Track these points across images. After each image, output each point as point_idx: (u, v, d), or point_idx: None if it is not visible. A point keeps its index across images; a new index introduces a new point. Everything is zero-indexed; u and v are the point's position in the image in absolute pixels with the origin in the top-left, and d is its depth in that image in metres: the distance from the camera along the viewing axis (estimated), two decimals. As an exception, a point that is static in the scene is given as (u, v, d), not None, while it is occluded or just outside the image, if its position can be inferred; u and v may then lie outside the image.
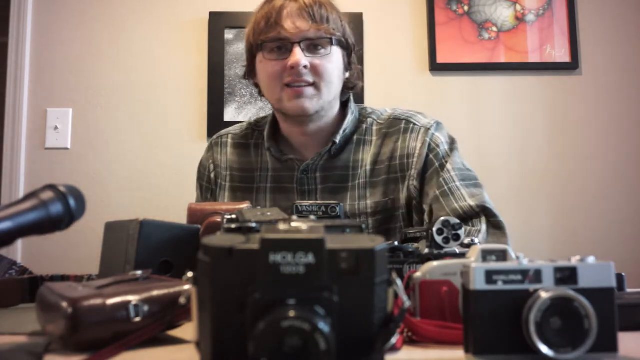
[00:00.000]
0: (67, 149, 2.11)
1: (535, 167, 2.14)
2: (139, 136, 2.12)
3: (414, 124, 1.20)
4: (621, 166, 2.15)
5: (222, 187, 1.27)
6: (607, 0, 2.22)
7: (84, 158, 2.11)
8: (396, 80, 2.15)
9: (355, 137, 1.22)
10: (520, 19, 2.18)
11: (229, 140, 1.31)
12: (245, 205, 0.94)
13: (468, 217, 1.10)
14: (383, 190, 1.17)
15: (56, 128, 2.11)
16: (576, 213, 2.12)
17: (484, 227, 1.08)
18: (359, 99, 2.09)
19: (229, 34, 2.15)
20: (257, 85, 1.24)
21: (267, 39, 1.12)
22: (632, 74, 2.19)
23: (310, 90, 1.13)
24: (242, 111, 2.12)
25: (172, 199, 2.06)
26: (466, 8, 2.18)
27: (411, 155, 1.17)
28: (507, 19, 2.18)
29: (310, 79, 1.12)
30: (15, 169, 2.08)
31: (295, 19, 1.11)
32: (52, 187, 0.59)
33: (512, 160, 2.14)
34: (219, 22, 2.15)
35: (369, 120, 1.24)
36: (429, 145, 1.17)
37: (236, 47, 2.14)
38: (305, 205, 0.78)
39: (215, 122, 2.10)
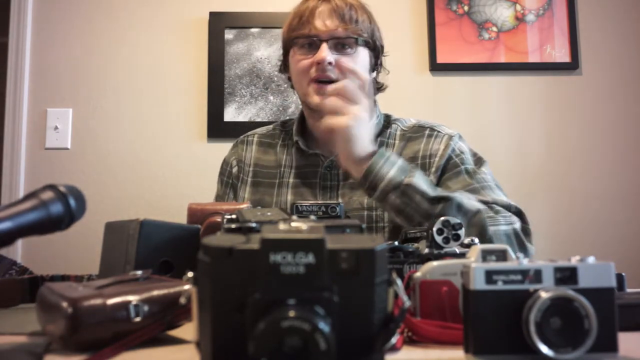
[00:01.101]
0: (67, 149, 2.11)
1: (535, 167, 2.14)
2: (139, 136, 2.12)
3: (438, 132, 1.26)
4: (621, 166, 2.15)
5: (243, 182, 1.31)
6: (607, 0, 2.22)
7: (84, 158, 2.11)
8: (396, 80, 2.13)
9: (379, 139, 1.25)
10: (520, 19, 2.18)
11: (255, 139, 1.36)
12: (245, 205, 0.94)
13: (501, 207, 1.09)
14: None
15: (56, 128, 2.11)
16: (576, 213, 2.12)
17: (518, 224, 1.08)
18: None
19: (229, 34, 2.15)
20: (290, 79, 1.31)
21: (298, 35, 1.19)
22: (632, 74, 2.19)
23: (336, 85, 1.16)
24: (242, 111, 2.12)
25: (172, 199, 2.06)
26: (466, 8, 2.18)
27: (433, 155, 1.21)
28: (507, 19, 2.18)
29: (334, 75, 1.16)
30: (15, 169, 2.08)
31: (325, 19, 1.17)
32: (52, 187, 0.59)
33: (511, 160, 2.13)
34: (219, 22, 2.15)
35: (394, 126, 1.29)
36: (453, 149, 1.21)
37: (236, 47, 2.14)
38: (305, 205, 0.78)
39: (215, 122, 2.10)
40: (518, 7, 2.19)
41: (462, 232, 0.69)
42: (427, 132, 1.26)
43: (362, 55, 1.20)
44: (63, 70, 2.15)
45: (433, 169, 1.19)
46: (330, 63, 1.15)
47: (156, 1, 2.18)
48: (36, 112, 2.12)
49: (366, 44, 1.20)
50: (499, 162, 2.12)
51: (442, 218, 0.70)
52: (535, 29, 2.18)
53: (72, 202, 0.59)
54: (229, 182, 1.34)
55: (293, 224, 0.44)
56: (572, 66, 2.16)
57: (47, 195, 0.58)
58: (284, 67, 1.30)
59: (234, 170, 1.33)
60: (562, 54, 2.17)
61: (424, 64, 2.17)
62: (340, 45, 1.18)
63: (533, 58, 2.16)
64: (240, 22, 2.15)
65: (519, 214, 1.12)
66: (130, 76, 2.15)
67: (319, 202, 0.79)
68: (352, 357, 0.41)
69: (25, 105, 2.12)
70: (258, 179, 1.30)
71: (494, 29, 2.17)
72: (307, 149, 1.27)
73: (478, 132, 2.14)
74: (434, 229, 0.70)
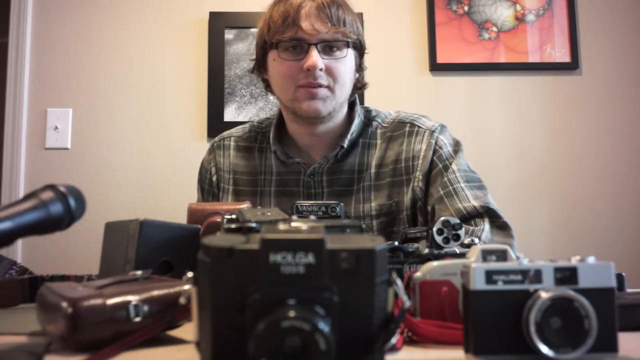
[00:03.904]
0: (67, 149, 2.11)
1: (535, 167, 2.14)
2: (139, 136, 2.12)
3: (419, 127, 1.20)
4: (621, 166, 2.15)
5: (225, 191, 1.26)
6: (607, 0, 2.22)
7: (84, 158, 2.11)
8: (396, 80, 2.15)
9: (360, 141, 1.21)
10: (520, 19, 2.18)
11: (232, 143, 1.29)
12: (245, 206, 0.94)
13: (471, 217, 1.10)
14: (387, 193, 1.17)
15: (56, 128, 2.11)
16: (576, 213, 2.12)
17: (487, 226, 1.08)
18: (359, 99, 2.09)
19: (229, 34, 2.15)
20: (265, 81, 1.23)
21: (284, 38, 1.11)
22: (632, 74, 2.19)
23: (323, 92, 1.12)
24: (242, 111, 2.12)
25: (172, 199, 2.06)
26: (466, 8, 2.18)
27: (416, 158, 1.17)
28: (507, 19, 2.18)
29: (324, 81, 1.11)
30: (15, 169, 2.08)
31: (313, 20, 1.09)
32: (52, 187, 0.59)
33: (512, 160, 2.13)
34: (219, 22, 2.15)
35: (374, 123, 1.24)
36: (433, 147, 1.17)
37: (236, 47, 2.14)
38: (306, 205, 0.78)
39: (215, 122, 2.10)
40: (518, 7, 2.19)
41: (462, 232, 0.69)
42: (407, 128, 1.20)
43: (350, 58, 1.15)
44: (63, 70, 2.15)
45: (418, 174, 1.15)
46: (321, 69, 1.10)
47: (156, 1, 2.18)
48: (36, 112, 2.12)
49: (355, 46, 1.15)
50: (499, 162, 2.12)
51: (442, 218, 0.70)
52: (535, 29, 2.18)
53: (72, 202, 0.58)
54: (210, 190, 1.30)
55: (293, 224, 0.44)
56: (572, 66, 2.16)
57: (47, 195, 0.58)
58: (259, 68, 1.21)
59: (214, 178, 1.28)
60: (562, 54, 2.17)
61: (424, 64, 2.17)
62: (329, 48, 1.12)
63: (533, 58, 2.16)
64: (240, 22, 2.15)
65: (487, 211, 1.10)
66: (130, 76, 2.15)
67: (319, 202, 0.79)
68: (352, 357, 0.41)
69: (25, 105, 2.12)
70: (239, 187, 1.25)
71: (494, 29, 2.17)
72: (285, 159, 1.20)
73: (478, 132, 2.14)
74: (434, 229, 0.69)
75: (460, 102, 2.16)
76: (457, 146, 1.20)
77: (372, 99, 2.08)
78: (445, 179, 1.14)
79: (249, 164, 1.26)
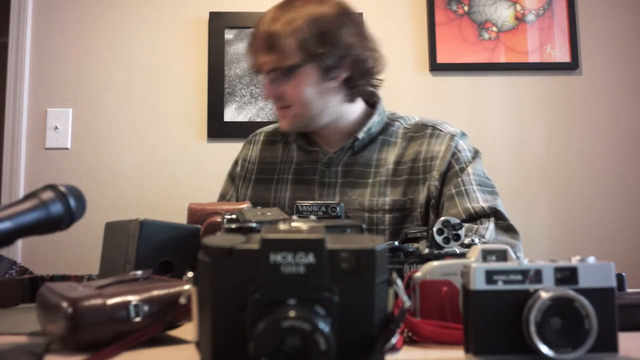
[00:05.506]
0: (67, 149, 2.11)
1: (535, 167, 2.14)
2: (139, 136, 2.12)
3: (441, 131, 1.24)
4: (621, 166, 2.15)
5: (246, 180, 1.32)
6: (607, 0, 2.22)
7: (84, 158, 2.11)
8: (396, 80, 2.15)
9: (380, 137, 1.25)
10: (520, 19, 2.18)
11: (261, 138, 1.37)
12: (245, 206, 0.94)
13: (478, 216, 1.12)
14: (403, 190, 1.19)
15: (56, 128, 2.11)
16: (576, 213, 2.12)
17: (491, 225, 1.10)
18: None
19: (229, 34, 2.15)
20: None
21: (250, 68, 1.24)
22: (632, 74, 2.19)
23: (287, 112, 1.20)
24: (242, 111, 2.12)
25: (172, 199, 2.06)
26: (466, 8, 2.18)
27: (435, 158, 1.19)
28: (507, 19, 2.18)
29: (283, 103, 1.19)
30: (15, 169, 2.08)
31: (259, 53, 1.18)
32: (52, 187, 0.59)
33: (512, 160, 2.13)
34: (219, 22, 2.15)
35: (397, 123, 1.27)
36: (452, 150, 1.20)
37: (236, 47, 2.14)
38: (306, 205, 0.78)
39: (215, 122, 2.10)
40: (518, 7, 2.19)
41: (462, 232, 0.69)
42: (429, 131, 1.24)
43: (300, 77, 1.15)
44: (63, 70, 2.14)
45: (435, 173, 1.18)
46: (274, 96, 1.18)
47: (156, 1, 2.18)
48: (36, 112, 2.12)
49: (298, 66, 1.14)
50: (499, 162, 2.12)
51: (442, 218, 0.70)
52: (535, 29, 2.18)
53: (72, 202, 0.59)
54: (233, 180, 1.37)
55: (293, 224, 0.44)
56: (572, 66, 2.16)
57: (47, 195, 0.58)
58: None
59: (238, 169, 1.35)
60: (562, 54, 2.17)
61: (424, 64, 2.17)
62: (281, 73, 1.16)
63: (533, 58, 2.16)
64: (240, 22, 2.14)
65: (494, 213, 1.13)
66: (130, 76, 2.15)
67: (319, 202, 0.79)
68: (352, 357, 0.41)
69: (25, 105, 2.12)
70: (260, 176, 1.31)
71: (494, 29, 2.17)
72: (306, 146, 1.27)
73: (478, 132, 2.13)
74: (434, 229, 0.70)
75: (460, 102, 2.16)
76: (476, 154, 1.23)
77: (372, 99, 2.09)
78: (459, 179, 1.16)
79: (273, 154, 1.33)
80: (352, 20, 1.21)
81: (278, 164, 1.30)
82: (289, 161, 1.29)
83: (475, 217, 1.12)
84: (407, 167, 1.20)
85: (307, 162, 1.27)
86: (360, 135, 1.22)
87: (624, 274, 0.75)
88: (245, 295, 0.40)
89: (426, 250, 0.70)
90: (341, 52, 1.16)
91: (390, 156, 1.22)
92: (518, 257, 0.48)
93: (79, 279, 0.90)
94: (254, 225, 0.47)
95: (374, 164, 1.22)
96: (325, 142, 1.27)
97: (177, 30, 2.17)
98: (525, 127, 2.16)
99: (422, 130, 1.24)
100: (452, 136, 1.22)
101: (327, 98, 1.20)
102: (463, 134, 1.25)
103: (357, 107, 1.26)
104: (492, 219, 1.12)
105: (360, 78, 1.21)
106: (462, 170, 1.18)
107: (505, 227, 1.12)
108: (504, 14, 2.18)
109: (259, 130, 1.40)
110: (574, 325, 0.44)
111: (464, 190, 1.15)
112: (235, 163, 1.38)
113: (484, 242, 1.05)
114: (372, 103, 1.29)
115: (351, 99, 1.23)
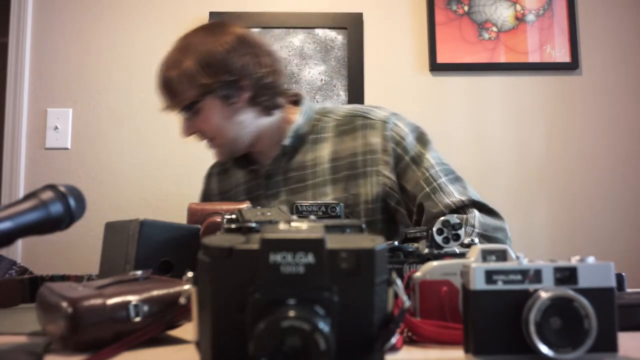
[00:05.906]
0: (67, 149, 2.11)
1: (535, 167, 2.14)
2: (139, 136, 2.12)
3: (370, 119, 1.22)
4: (621, 166, 2.15)
5: None
6: (607, 0, 2.22)
7: (84, 158, 2.11)
8: (396, 80, 2.15)
9: (310, 137, 1.25)
10: (520, 19, 2.18)
11: (215, 170, 1.41)
12: (245, 205, 0.94)
13: (459, 208, 1.14)
14: (344, 186, 1.19)
15: (56, 128, 2.11)
16: (576, 213, 2.12)
17: (476, 212, 1.12)
18: (359, 99, 2.09)
19: (229, 34, 2.15)
20: None
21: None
22: (632, 74, 2.19)
23: (213, 144, 1.24)
24: (242, 111, 2.12)
25: (172, 199, 2.06)
26: (466, 8, 2.18)
27: (375, 151, 1.19)
28: (507, 19, 2.18)
29: (204, 137, 1.24)
30: (15, 169, 2.08)
31: (162, 98, 1.23)
32: (52, 187, 0.59)
33: (512, 160, 2.13)
34: (219, 22, 2.15)
35: (326, 118, 1.27)
36: (392, 138, 1.19)
37: (236, 47, 2.14)
38: (305, 205, 0.78)
39: (215, 122, 2.10)
40: (518, 7, 2.19)
41: (462, 232, 0.69)
42: (359, 122, 1.23)
43: (208, 107, 1.18)
44: (63, 70, 2.14)
45: (381, 167, 1.17)
46: (192, 134, 1.23)
47: (156, 1, 2.18)
48: (36, 112, 2.12)
49: (196, 103, 1.17)
50: (499, 162, 2.12)
51: (442, 218, 0.70)
52: (535, 29, 2.18)
53: (72, 202, 0.59)
54: None
55: (293, 224, 0.44)
56: (572, 66, 2.16)
57: (47, 195, 0.58)
58: None
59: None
60: (562, 54, 2.17)
61: (424, 64, 2.17)
62: (186, 112, 1.21)
63: (533, 58, 2.16)
64: (240, 22, 2.14)
65: (474, 203, 1.14)
66: (130, 76, 2.15)
67: (319, 202, 0.79)
68: (352, 357, 0.41)
69: (25, 105, 2.12)
70: None
71: (494, 29, 2.17)
72: (246, 165, 1.30)
73: (478, 132, 2.14)
74: (434, 229, 0.70)
75: (460, 102, 2.16)
76: (422, 136, 1.22)
77: (372, 99, 2.09)
78: (427, 174, 1.16)
79: (229, 182, 1.35)
80: (243, 42, 1.20)
81: (231, 190, 1.33)
82: (238, 184, 1.32)
83: (455, 210, 1.14)
84: (346, 162, 1.20)
85: (251, 180, 1.30)
86: (286, 141, 1.22)
87: (623, 274, 0.75)
88: (245, 295, 0.40)
89: (426, 250, 0.70)
90: (234, 76, 1.17)
91: (324, 153, 1.22)
92: (517, 257, 0.48)
93: (78, 279, 0.90)
94: (253, 225, 0.47)
95: (310, 165, 1.23)
96: (264, 157, 1.28)
97: (177, 30, 2.14)
98: (525, 127, 2.16)
99: (352, 122, 1.23)
100: (384, 123, 1.21)
101: (238, 120, 1.21)
102: (394, 115, 1.24)
103: (278, 116, 1.25)
104: (473, 208, 1.13)
105: (262, 95, 1.20)
106: (418, 161, 1.18)
107: (487, 210, 1.14)
108: (504, 14, 2.18)
109: (212, 164, 1.43)
110: (573, 325, 0.44)
111: (437, 187, 1.15)
112: (203, 200, 1.41)
113: (478, 233, 1.07)
114: (296, 102, 1.29)
115: (265, 113, 1.23)
